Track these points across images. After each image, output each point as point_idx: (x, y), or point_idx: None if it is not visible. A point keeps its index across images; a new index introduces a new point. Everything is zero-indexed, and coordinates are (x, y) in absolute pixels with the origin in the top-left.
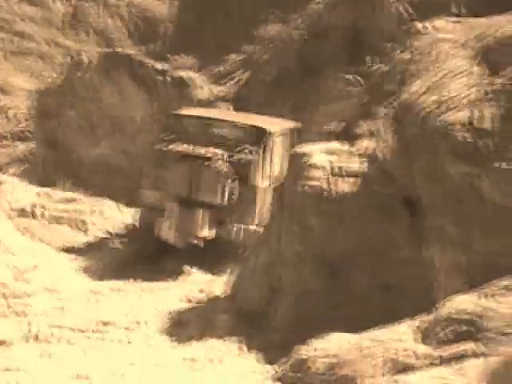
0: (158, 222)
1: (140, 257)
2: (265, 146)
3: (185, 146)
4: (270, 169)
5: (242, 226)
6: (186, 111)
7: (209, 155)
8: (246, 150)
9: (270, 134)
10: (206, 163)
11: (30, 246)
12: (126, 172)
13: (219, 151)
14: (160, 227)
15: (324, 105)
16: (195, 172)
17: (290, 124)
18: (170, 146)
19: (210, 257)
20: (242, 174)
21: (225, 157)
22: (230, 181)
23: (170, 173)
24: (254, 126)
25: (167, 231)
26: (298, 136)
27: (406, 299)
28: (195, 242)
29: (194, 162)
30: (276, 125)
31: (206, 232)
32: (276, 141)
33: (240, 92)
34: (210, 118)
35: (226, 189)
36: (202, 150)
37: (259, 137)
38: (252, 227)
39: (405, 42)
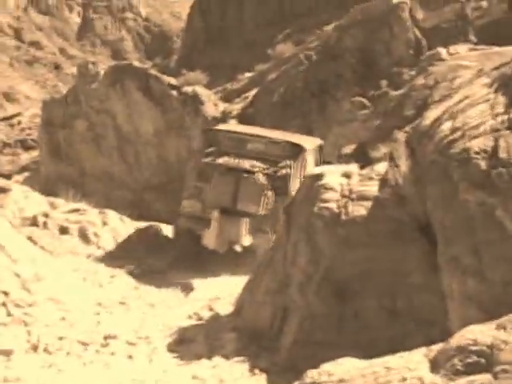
0: (201, 229)
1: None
2: (300, 161)
3: (228, 159)
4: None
5: None
6: (224, 127)
7: (252, 168)
8: (284, 164)
9: (305, 149)
10: (249, 176)
11: (34, 255)
12: (130, 185)
13: (260, 164)
14: (204, 234)
15: (336, 126)
16: (238, 184)
17: (317, 141)
18: (217, 160)
19: (246, 266)
20: (280, 186)
21: (264, 170)
22: (268, 192)
23: (214, 184)
24: (290, 143)
25: (210, 238)
26: (321, 153)
27: (417, 326)
28: (237, 248)
29: (237, 175)
30: (307, 141)
31: (247, 240)
32: (308, 156)
33: (247, 110)
34: (248, 134)
35: (265, 200)
36: (245, 164)
37: (295, 152)
38: None
39: (421, 67)
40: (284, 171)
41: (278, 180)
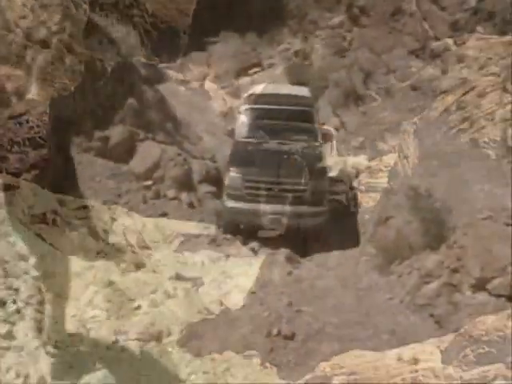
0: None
1: None
2: (331, 144)
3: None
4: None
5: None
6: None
7: (291, 150)
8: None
9: (332, 133)
10: (289, 156)
11: (44, 253)
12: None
13: (297, 147)
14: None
15: (345, 120)
16: (282, 164)
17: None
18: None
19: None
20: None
21: (300, 151)
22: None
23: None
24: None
25: None
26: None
27: (428, 318)
28: None
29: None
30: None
31: None
32: (334, 138)
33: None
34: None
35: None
36: (285, 147)
37: (327, 136)
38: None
39: (428, 58)
40: (316, 151)
41: (311, 159)
